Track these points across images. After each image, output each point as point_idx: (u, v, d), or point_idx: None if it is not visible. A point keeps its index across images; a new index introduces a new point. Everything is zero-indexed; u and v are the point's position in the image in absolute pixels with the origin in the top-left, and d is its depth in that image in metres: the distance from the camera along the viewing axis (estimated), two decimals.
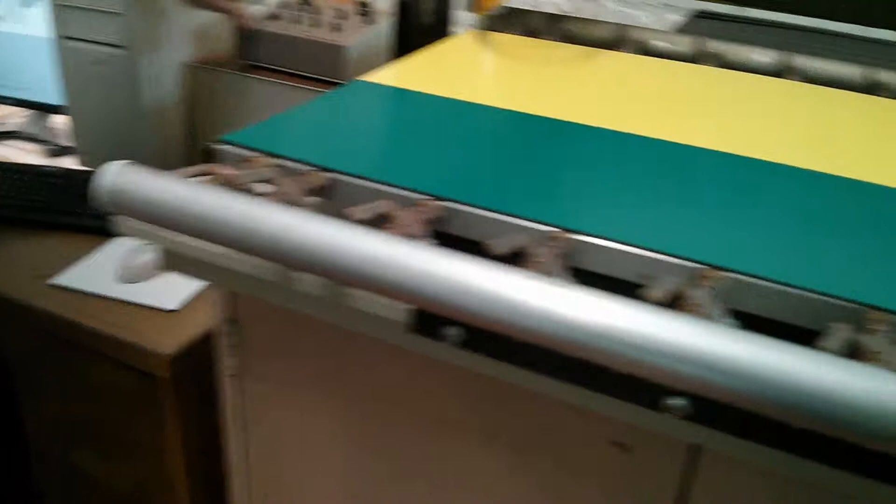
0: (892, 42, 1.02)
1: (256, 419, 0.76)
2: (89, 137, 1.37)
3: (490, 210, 0.53)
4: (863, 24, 1.03)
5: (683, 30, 1.03)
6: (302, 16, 1.32)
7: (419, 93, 0.74)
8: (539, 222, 0.51)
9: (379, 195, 0.55)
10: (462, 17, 1.00)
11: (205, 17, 1.36)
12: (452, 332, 0.51)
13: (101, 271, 1.08)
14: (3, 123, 1.54)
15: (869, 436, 0.37)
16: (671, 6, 1.23)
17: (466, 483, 0.66)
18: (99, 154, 1.37)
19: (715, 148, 0.66)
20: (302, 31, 1.28)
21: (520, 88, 0.79)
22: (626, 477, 0.59)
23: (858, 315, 0.44)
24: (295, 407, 0.72)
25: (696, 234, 0.52)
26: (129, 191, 0.52)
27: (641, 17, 1.26)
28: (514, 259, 0.49)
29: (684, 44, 0.90)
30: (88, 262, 1.11)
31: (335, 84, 1.16)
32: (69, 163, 1.43)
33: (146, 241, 0.60)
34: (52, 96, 1.41)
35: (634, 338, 0.40)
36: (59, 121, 1.48)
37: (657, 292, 0.45)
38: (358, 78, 0.77)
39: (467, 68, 0.85)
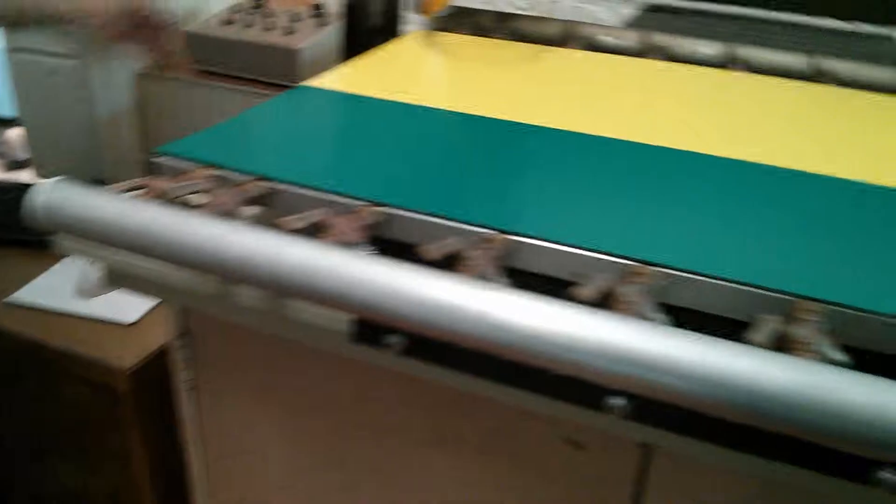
0: (835, 30, 1.03)
1: (215, 431, 0.76)
2: (45, 150, 1.36)
3: (426, 214, 0.52)
4: (808, 14, 1.04)
5: (635, 24, 1.03)
6: (255, 19, 1.31)
7: (362, 97, 0.74)
8: (474, 225, 0.51)
9: (317, 203, 0.55)
10: (412, 18, 1.00)
11: None
12: (394, 340, 0.51)
13: (59, 287, 1.07)
14: None
15: (800, 427, 0.37)
16: (627, 0, 1.24)
17: (425, 488, 0.66)
18: (56, 166, 1.35)
19: (653, 143, 0.66)
20: (254, 35, 1.27)
21: (465, 89, 0.79)
22: (581, 475, 0.59)
23: (788, 305, 0.45)
24: (252, 418, 0.72)
25: (630, 231, 0.52)
26: (63, 208, 0.51)
27: (597, 13, 1.27)
28: (450, 262, 0.49)
29: (631, 38, 0.91)
30: (46, 277, 1.10)
31: (290, 88, 1.15)
32: (27, 176, 1.41)
33: (88, 259, 0.59)
34: (6, 108, 1.39)
35: (564, 339, 0.40)
36: (16, 133, 1.46)
37: (589, 291, 0.45)
38: (302, 83, 0.77)
39: (412, 70, 0.85)
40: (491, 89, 0.78)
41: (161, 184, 0.56)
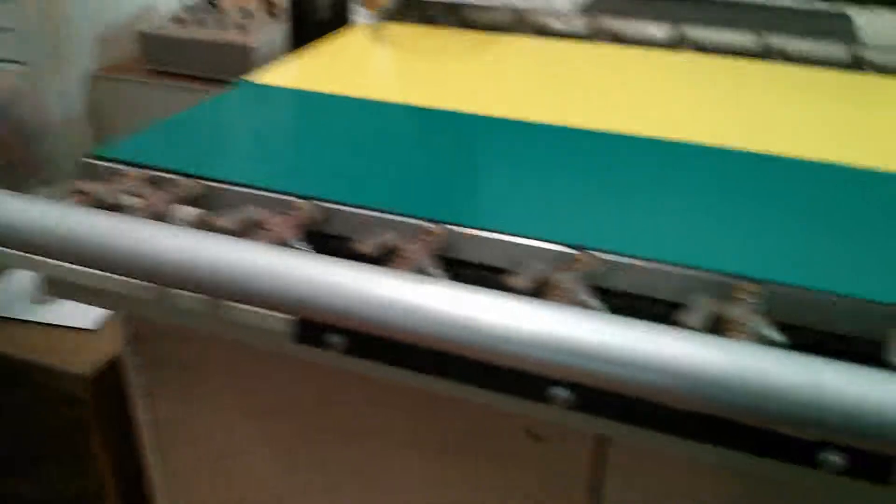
0: (786, 8, 1.03)
1: (174, 436, 0.75)
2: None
3: (363, 208, 0.52)
4: None
5: (587, 8, 1.02)
6: (207, 18, 1.29)
7: (304, 91, 0.73)
8: (412, 217, 0.51)
9: (253, 201, 0.54)
10: (362, 10, 0.99)
11: (109, 24, 1.33)
12: (336, 339, 0.50)
13: (15, 294, 1.06)
14: None
15: (733, 409, 0.37)
16: None
17: (390, 487, 0.65)
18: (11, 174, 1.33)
19: (596, 128, 0.66)
20: (206, 33, 1.25)
21: (411, 80, 0.78)
22: (542, 466, 0.58)
23: (724, 286, 0.44)
24: (211, 423, 0.71)
25: (568, 218, 0.51)
26: None
27: None
28: (386, 256, 0.48)
29: (580, 23, 0.90)
30: (1, 286, 1.08)
31: None
32: None
33: (24, 269, 0.58)
34: None
35: (497, 330, 0.40)
36: None
37: (523, 279, 0.45)
38: (244, 78, 0.75)
39: (357, 63, 0.84)
40: (436, 80, 0.77)
41: (93, 188, 0.55)
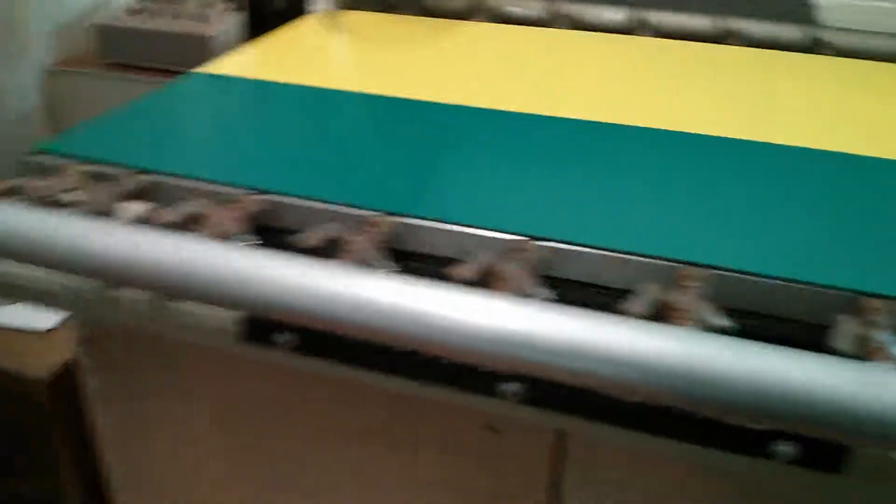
0: None
1: (131, 439, 0.73)
2: None
3: (309, 200, 0.51)
4: None
5: None
6: (164, 8, 1.27)
7: (255, 80, 0.71)
8: (358, 208, 0.50)
9: (198, 195, 0.53)
10: None
11: (64, 16, 1.30)
12: (284, 337, 0.49)
13: None
14: None
15: (676, 396, 0.37)
16: None
17: (349, 484, 0.64)
18: None
19: (550, 114, 0.65)
20: (164, 23, 1.23)
21: (364, 69, 0.77)
22: (501, 459, 0.58)
23: (671, 273, 0.44)
24: (165, 424, 0.70)
25: (516, 207, 0.50)
26: None
27: None
28: (332, 249, 0.47)
29: (538, 8, 0.89)
30: None
31: None
32: None
33: None
34: None
35: (440, 322, 0.39)
36: None
37: (468, 270, 0.44)
38: (195, 70, 0.74)
39: (311, 51, 0.82)
40: (390, 68, 0.76)
41: (34, 184, 0.53)
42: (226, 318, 0.51)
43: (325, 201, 0.50)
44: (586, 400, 0.44)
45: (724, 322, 0.41)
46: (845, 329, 0.40)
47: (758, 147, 0.60)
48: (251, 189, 0.52)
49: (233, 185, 0.52)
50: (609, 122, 0.64)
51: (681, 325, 0.40)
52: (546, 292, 0.44)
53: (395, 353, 0.46)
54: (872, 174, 0.57)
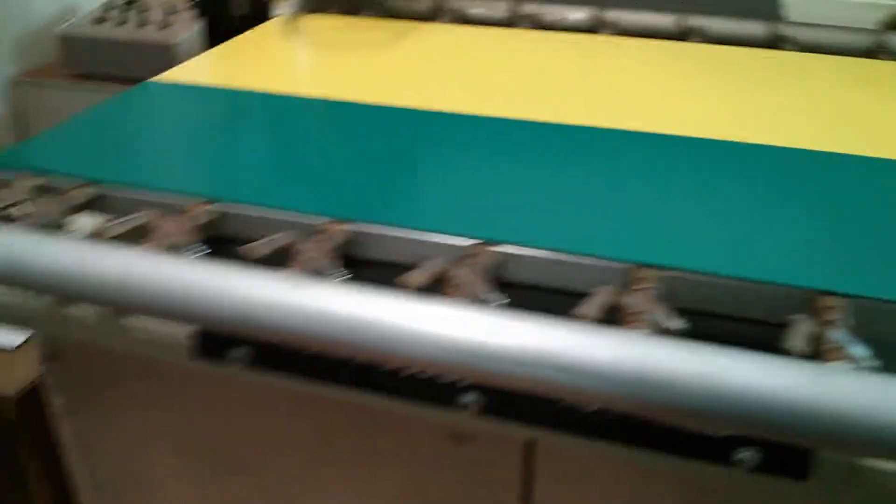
0: None
1: (98, 454, 0.72)
2: None
3: (260, 208, 0.50)
4: None
5: None
6: (128, 16, 1.25)
7: (210, 88, 0.70)
8: (309, 215, 0.49)
9: (147, 205, 0.52)
10: (281, 3, 0.96)
11: (30, 27, 1.28)
12: (238, 352, 0.48)
13: None
14: None
15: (626, 402, 0.36)
16: None
17: (314, 497, 0.63)
18: None
19: (508, 116, 0.64)
20: (128, 32, 1.22)
21: (322, 73, 0.76)
22: (470, 467, 0.57)
23: (626, 275, 0.43)
24: (131, 439, 0.68)
25: (470, 211, 0.50)
26: None
27: None
28: (284, 258, 0.46)
29: (500, 8, 0.89)
30: None
31: None
32: None
33: None
34: None
35: (386, 331, 0.38)
36: None
37: (420, 276, 0.43)
38: (152, 79, 0.73)
39: (268, 57, 0.81)
40: (350, 72, 0.75)
41: None
42: (179, 333, 0.50)
43: (276, 209, 0.49)
44: (548, 409, 0.43)
45: (679, 324, 0.40)
46: (801, 329, 0.39)
47: (712, 145, 0.60)
48: (202, 198, 0.51)
49: (183, 194, 0.51)
50: (567, 123, 0.63)
51: (634, 328, 0.39)
52: (500, 297, 0.43)
53: (349, 365, 0.45)
54: (829, 170, 0.56)
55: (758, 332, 0.42)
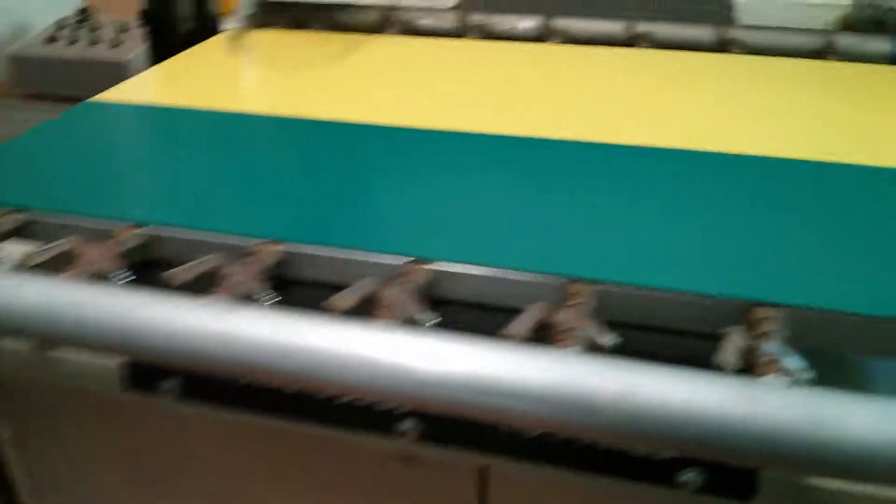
0: None
1: (47, 486, 0.70)
2: None
3: (187, 231, 0.48)
4: None
5: (458, 4, 1.00)
6: (80, 34, 1.23)
7: (149, 106, 0.69)
8: (239, 236, 0.47)
9: (76, 231, 0.50)
10: (228, 18, 0.95)
11: None
12: (169, 384, 0.47)
13: None
14: None
15: (555, 424, 0.35)
16: None
17: None
18: None
19: (452, 129, 0.63)
20: (79, 50, 1.20)
21: (268, 89, 0.75)
22: (423, 491, 0.56)
23: (559, 290, 0.42)
24: (77, 470, 0.66)
25: (403, 228, 0.49)
26: None
27: None
28: (210, 281, 0.45)
29: (449, 19, 0.88)
30: None
31: None
32: None
33: None
34: None
35: (312, 356, 0.37)
36: None
37: (348, 298, 0.42)
38: (91, 99, 0.71)
39: (211, 73, 0.79)
40: (297, 87, 0.74)
41: None
42: (109, 363, 0.48)
43: (205, 231, 0.48)
44: (490, 434, 0.42)
45: (611, 339, 0.39)
46: (733, 342, 0.38)
47: (647, 153, 0.59)
48: (130, 222, 0.49)
49: (107, 219, 0.50)
50: (514, 134, 0.62)
51: (565, 346, 0.38)
52: (432, 316, 0.42)
53: (281, 394, 0.44)
54: (767, 176, 0.55)
55: (694, 345, 0.41)
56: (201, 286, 0.44)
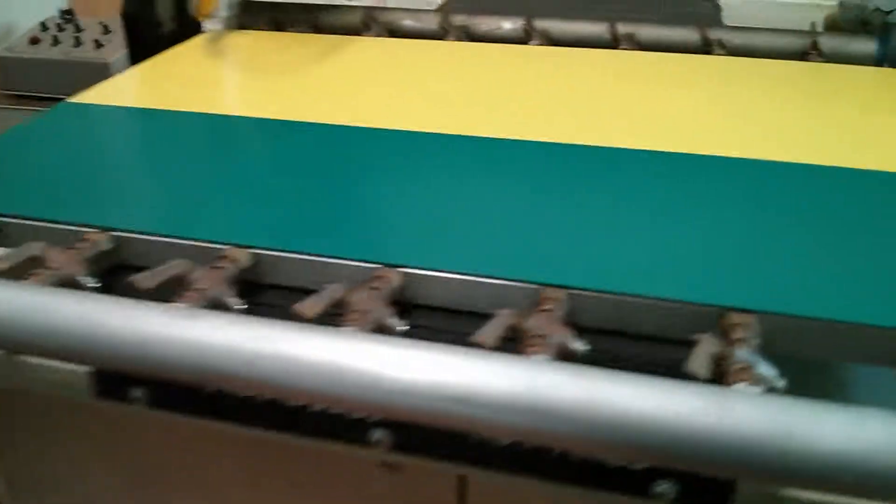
0: None
1: (31, 495, 0.69)
2: None
3: (156, 236, 0.47)
4: None
5: (442, 5, 0.99)
6: (63, 36, 1.23)
7: (125, 108, 0.68)
8: (209, 242, 0.46)
9: (40, 236, 0.49)
10: (209, 20, 0.94)
11: None
12: (138, 391, 0.46)
13: None
14: None
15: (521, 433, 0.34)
16: None
17: None
18: None
19: (433, 130, 0.62)
20: (62, 51, 1.19)
21: (246, 91, 0.74)
22: (405, 496, 0.55)
23: (530, 296, 0.41)
24: (62, 478, 0.65)
25: (373, 233, 0.48)
26: None
27: None
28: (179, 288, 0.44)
29: (432, 21, 0.87)
30: None
31: None
32: None
33: None
34: None
35: (274, 364, 0.36)
36: None
37: (315, 304, 0.41)
38: (67, 100, 0.71)
39: (190, 75, 0.78)
40: (276, 89, 0.73)
41: None
42: (78, 371, 0.47)
43: (175, 236, 0.47)
44: (461, 444, 0.41)
45: (581, 346, 0.38)
46: (704, 349, 0.37)
47: (623, 155, 0.58)
48: (94, 227, 0.49)
49: (74, 223, 0.49)
50: (495, 136, 0.61)
51: (535, 353, 0.37)
52: (401, 322, 0.41)
53: (252, 401, 0.43)
54: (744, 178, 0.55)
55: (668, 352, 0.40)
56: (169, 291, 0.43)
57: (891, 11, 0.84)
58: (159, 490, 0.60)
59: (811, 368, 0.42)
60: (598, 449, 0.34)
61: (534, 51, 0.83)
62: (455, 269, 0.43)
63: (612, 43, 0.83)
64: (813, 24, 0.88)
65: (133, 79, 0.77)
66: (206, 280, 0.44)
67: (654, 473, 0.39)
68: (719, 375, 0.37)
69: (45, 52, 1.21)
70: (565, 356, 0.38)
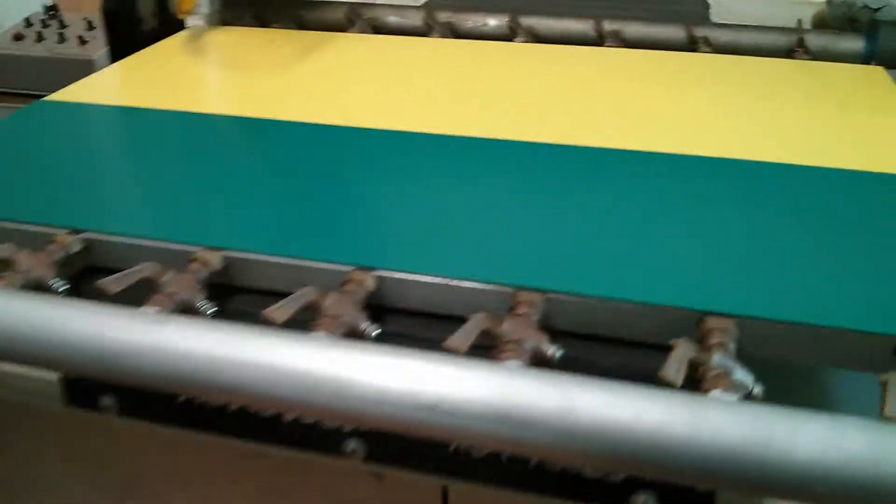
0: None
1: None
2: None
3: (127, 238, 0.46)
4: None
5: (428, 2, 0.98)
6: (47, 32, 1.21)
7: (102, 106, 0.67)
8: (180, 243, 0.46)
9: (10, 237, 0.48)
10: (192, 16, 0.93)
11: None
12: (109, 399, 0.45)
13: None
14: None
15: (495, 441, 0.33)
16: None
17: None
18: None
19: (415, 129, 0.62)
20: (46, 48, 1.18)
21: (226, 89, 0.73)
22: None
23: (505, 299, 0.41)
24: (45, 488, 0.65)
25: (344, 236, 0.47)
26: None
27: None
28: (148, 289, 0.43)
29: (416, 17, 0.86)
30: None
31: None
32: None
33: None
34: None
35: (243, 371, 0.35)
36: None
37: (286, 309, 0.40)
38: (45, 98, 0.70)
39: (171, 72, 0.77)
40: (258, 87, 0.72)
41: None
42: (50, 378, 0.46)
43: (147, 238, 0.46)
44: (436, 453, 0.40)
45: (556, 350, 0.38)
46: (679, 354, 0.37)
47: (603, 154, 0.57)
48: (63, 228, 0.48)
49: (43, 224, 0.48)
50: (479, 136, 0.60)
51: (507, 358, 0.37)
52: (374, 327, 0.40)
53: (225, 409, 0.43)
54: (724, 179, 0.54)
55: (645, 357, 0.40)
56: (138, 295, 0.42)
57: (879, 9, 0.83)
58: (137, 499, 0.60)
59: (790, 373, 0.42)
60: (569, 457, 0.33)
61: (519, 48, 0.82)
62: (430, 271, 0.42)
63: (598, 40, 0.82)
64: (799, 22, 0.87)
65: (112, 76, 0.76)
66: (176, 283, 0.43)
67: (634, 484, 0.39)
68: (696, 381, 0.36)
69: (29, 48, 1.20)
70: (540, 361, 0.37)
